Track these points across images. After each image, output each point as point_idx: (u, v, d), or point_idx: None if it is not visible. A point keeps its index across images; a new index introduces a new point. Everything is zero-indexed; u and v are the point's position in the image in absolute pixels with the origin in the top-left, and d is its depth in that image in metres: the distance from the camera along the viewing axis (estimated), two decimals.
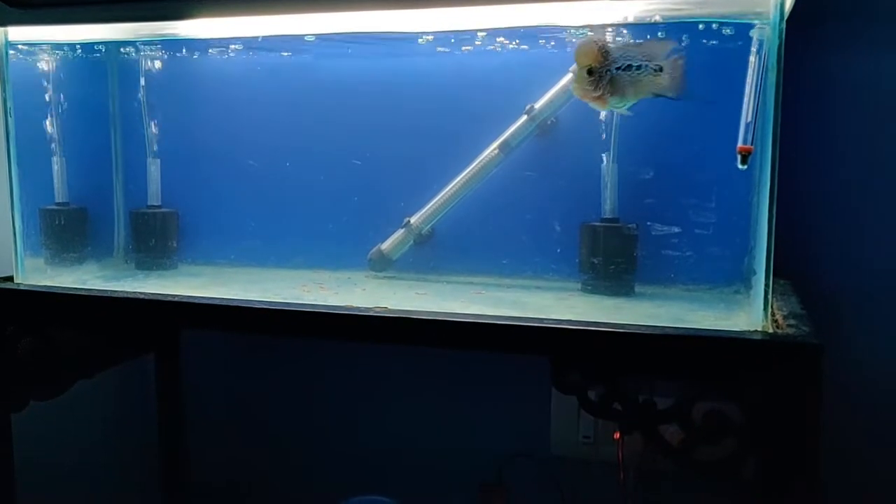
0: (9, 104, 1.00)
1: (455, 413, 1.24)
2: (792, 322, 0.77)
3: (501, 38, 1.00)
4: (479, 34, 1.00)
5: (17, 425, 1.01)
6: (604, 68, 0.83)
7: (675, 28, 0.91)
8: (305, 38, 1.06)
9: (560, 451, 1.18)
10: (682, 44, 0.87)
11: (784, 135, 0.73)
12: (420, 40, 1.02)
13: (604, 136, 0.96)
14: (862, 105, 1.02)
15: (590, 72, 0.83)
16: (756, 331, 0.74)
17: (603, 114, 0.95)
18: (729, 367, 0.72)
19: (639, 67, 0.83)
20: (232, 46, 1.12)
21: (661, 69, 0.82)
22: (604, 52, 0.83)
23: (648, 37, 0.87)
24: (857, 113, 1.03)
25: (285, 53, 1.11)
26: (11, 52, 1.01)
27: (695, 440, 0.74)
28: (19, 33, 1.01)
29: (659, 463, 1.07)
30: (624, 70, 0.83)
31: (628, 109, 0.87)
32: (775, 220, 0.74)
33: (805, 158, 1.04)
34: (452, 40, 1.02)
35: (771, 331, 0.74)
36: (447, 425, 1.25)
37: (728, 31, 0.90)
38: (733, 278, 0.94)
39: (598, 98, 0.84)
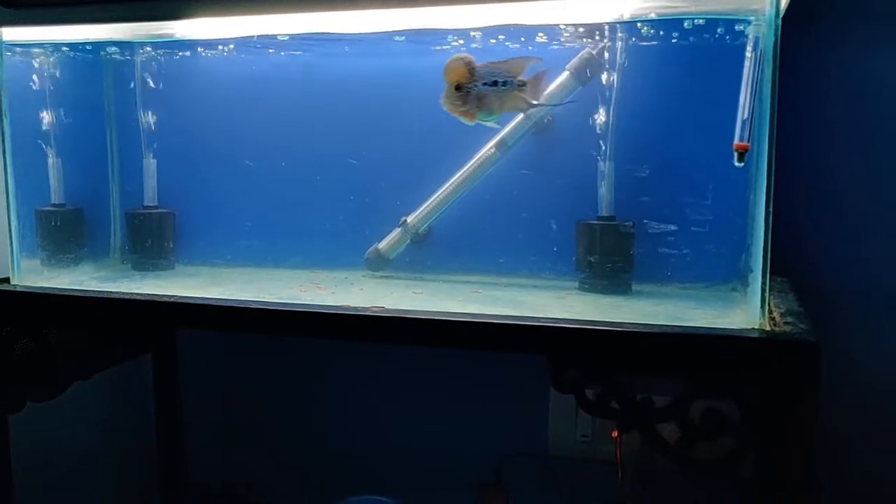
0: (4, 105, 1.00)
1: (454, 413, 1.24)
2: (789, 320, 0.77)
3: (499, 37, 1.00)
4: (473, 33, 0.99)
5: (14, 426, 1.01)
6: (471, 84, 0.87)
7: (671, 25, 0.92)
8: (301, 37, 1.05)
9: (558, 450, 1.18)
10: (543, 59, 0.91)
11: (780, 132, 0.73)
12: (417, 39, 1.02)
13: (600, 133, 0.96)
14: (858, 102, 1.02)
15: (457, 87, 0.88)
16: (753, 329, 0.74)
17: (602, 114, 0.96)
18: (726, 366, 0.72)
19: (504, 83, 0.87)
20: (228, 46, 1.12)
21: (524, 84, 0.88)
22: (470, 69, 0.87)
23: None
24: (853, 110, 1.03)
25: (282, 53, 1.11)
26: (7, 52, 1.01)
27: (692, 438, 0.74)
28: (14, 33, 1.01)
29: (657, 461, 1.07)
30: (490, 86, 0.87)
31: (496, 122, 0.92)
32: (772, 218, 0.74)
33: (802, 155, 1.04)
34: (449, 39, 1.02)
35: (768, 329, 0.74)
36: (446, 425, 1.25)
37: (723, 28, 0.90)
38: (730, 276, 0.94)
39: (466, 112, 0.89)
